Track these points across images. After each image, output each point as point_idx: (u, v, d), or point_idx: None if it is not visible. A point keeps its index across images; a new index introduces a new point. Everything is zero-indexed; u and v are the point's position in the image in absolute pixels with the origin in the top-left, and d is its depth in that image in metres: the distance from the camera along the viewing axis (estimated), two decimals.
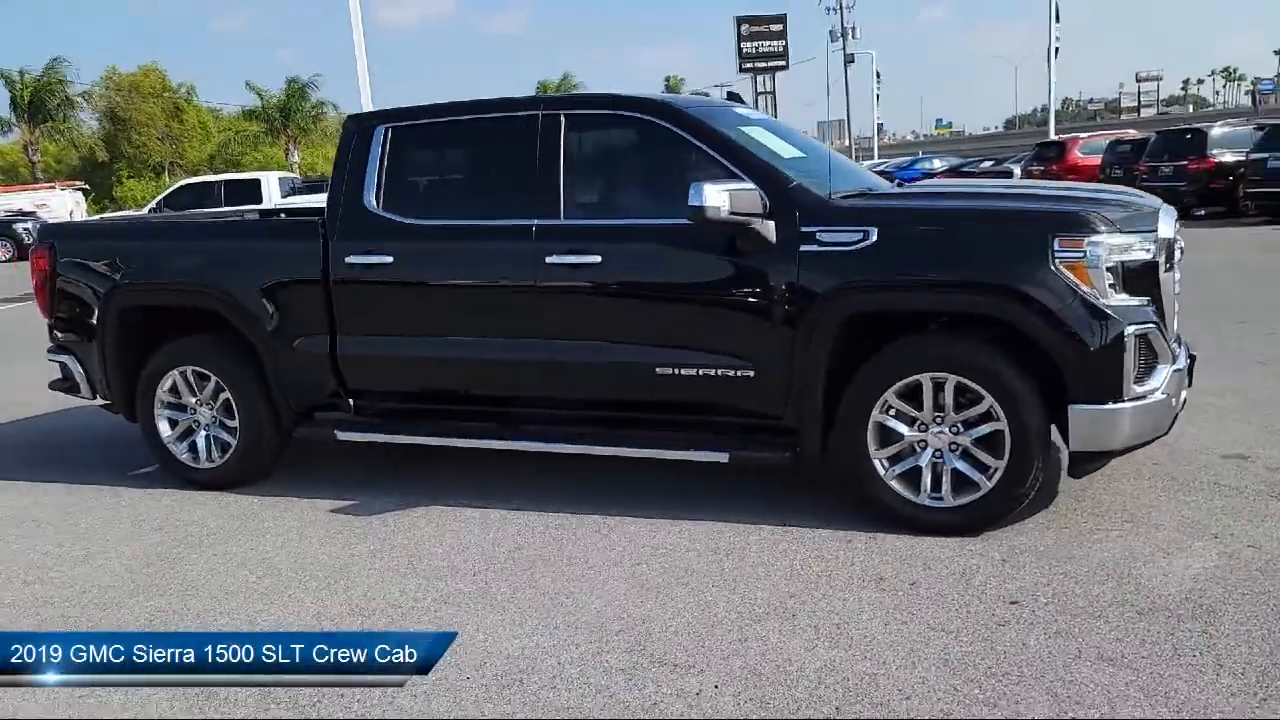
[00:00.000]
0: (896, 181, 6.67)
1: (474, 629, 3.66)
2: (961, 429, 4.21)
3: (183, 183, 20.86)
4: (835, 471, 4.56)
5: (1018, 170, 25.37)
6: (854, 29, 56.28)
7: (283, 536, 4.77)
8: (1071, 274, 3.97)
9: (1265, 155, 18.35)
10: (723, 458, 4.55)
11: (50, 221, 6.98)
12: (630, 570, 4.11)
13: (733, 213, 4.21)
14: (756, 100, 52.76)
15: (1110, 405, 3.99)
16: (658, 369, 4.58)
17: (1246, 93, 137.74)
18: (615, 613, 3.73)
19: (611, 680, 3.24)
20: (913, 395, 4.26)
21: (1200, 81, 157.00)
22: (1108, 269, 3.99)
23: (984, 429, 4.16)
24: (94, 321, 5.63)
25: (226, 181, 19.22)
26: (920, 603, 3.66)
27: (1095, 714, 2.89)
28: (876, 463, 4.32)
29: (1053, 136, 32.50)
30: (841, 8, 55.71)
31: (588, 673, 3.29)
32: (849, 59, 56.76)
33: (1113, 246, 4.00)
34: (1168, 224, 4.26)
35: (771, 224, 4.31)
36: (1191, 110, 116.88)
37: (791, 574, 3.98)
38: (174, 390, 5.56)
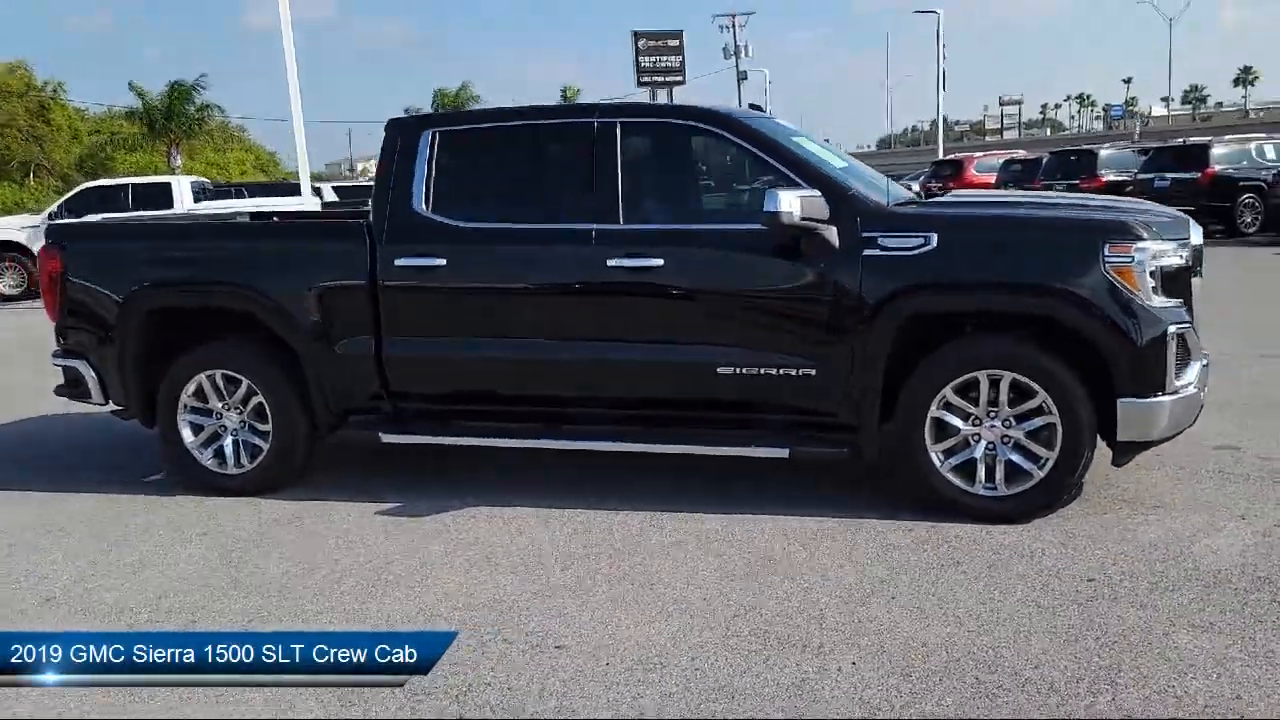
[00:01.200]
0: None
1: (588, 618, 3.75)
2: (1014, 423, 4.50)
3: (85, 186, 19.95)
4: (891, 465, 4.79)
5: (916, 186, 26.40)
6: (746, 47, 57.65)
7: (340, 539, 4.74)
8: (1120, 277, 4.31)
9: (1151, 175, 19.69)
10: (783, 453, 4.74)
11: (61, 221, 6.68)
12: (714, 561, 4.26)
13: (804, 218, 4.42)
14: None
15: (1154, 399, 4.34)
16: (719, 369, 4.75)
17: (1097, 117, 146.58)
18: (719, 600, 3.87)
19: (751, 662, 3.38)
20: (966, 391, 4.53)
21: (1057, 106, 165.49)
22: (1150, 273, 4.34)
23: (1037, 422, 4.46)
24: (112, 324, 5.47)
25: (134, 185, 18.51)
26: (1005, 582, 3.91)
27: (1209, 676, 3.17)
28: (933, 456, 4.58)
29: (941, 156, 33.96)
30: (734, 26, 56.97)
31: (724, 655, 3.43)
32: (742, 76, 58.04)
33: (1155, 252, 4.35)
34: (1196, 233, 4.65)
35: (834, 229, 4.53)
36: (1050, 133, 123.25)
37: (871, 560, 4.19)
38: (199, 394, 5.45)
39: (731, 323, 4.78)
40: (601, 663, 3.42)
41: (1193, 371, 4.48)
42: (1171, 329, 4.33)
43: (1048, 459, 4.45)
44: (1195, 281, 4.63)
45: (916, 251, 4.49)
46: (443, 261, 5.00)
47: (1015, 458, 4.52)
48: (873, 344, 4.53)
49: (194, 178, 20.26)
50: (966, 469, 4.58)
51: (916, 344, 4.58)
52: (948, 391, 4.52)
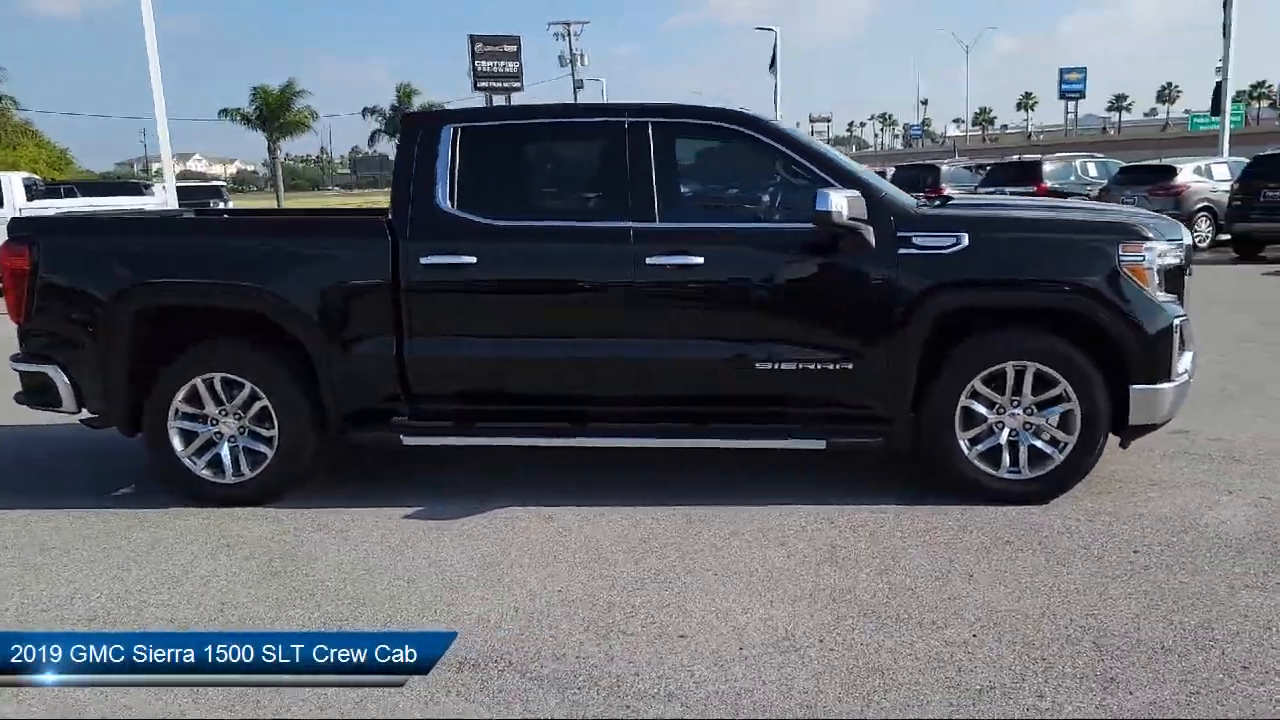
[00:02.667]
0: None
1: (693, 607, 3.80)
2: (1036, 410, 4.83)
3: None
4: (921, 453, 5.02)
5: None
6: (582, 55, 57.98)
7: (383, 545, 4.59)
8: (1133, 275, 4.70)
9: (992, 189, 21.15)
10: (820, 444, 4.92)
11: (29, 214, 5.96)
12: (782, 550, 4.38)
13: (850, 218, 4.61)
14: None
15: (1161, 385, 4.75)
16: (757, 364, 4.88)
17: (896, 135, 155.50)
18: (810, 585, 4.00)
19: (882, 638, 3.52)
20: (990, 381, 4.83)
21: (862, 125, 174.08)
22: (1156, 271, 4.76)
23: (1058, 409, 4.80)
24: (94, 325, 5.11)
25: None
26: (1061, 556, 4.21)
27: None
28: (962, 443, 4.85)
29: None
30: (569, 34, 57.22)
31: (849, 635, 3.55)
32: (578, 84, 58.31)
33: (1160, 251, 4.78)
34: (1186, 235, 5.11)
35: (870, 229, 4.74)
36: (855, 150, 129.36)
37: (929, 543, 4.41)
38: (193, 400, 5.15)
39: (771, 319, 4.91)
40: (735, 647, 3.49)
41: (1188, 360, 4.93)
42: (1175, 321, 4.75)
43: (1067, 443, 4.80)
44: (1186, 279, 5.09)
45: (949, 250, 4.75)
46: (473, 259, 4.93)
47: (1038, 443, 4.84)
48: (908, 338, 4.76)
49: (24, 174, 18.71)
50: (990, 455, 4.87)
51: (944, 338, 4.83)
52: (976, 382, 4.80)
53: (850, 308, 4.82)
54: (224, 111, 59.51)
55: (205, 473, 5.19)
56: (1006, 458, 4.86)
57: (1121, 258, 4.71)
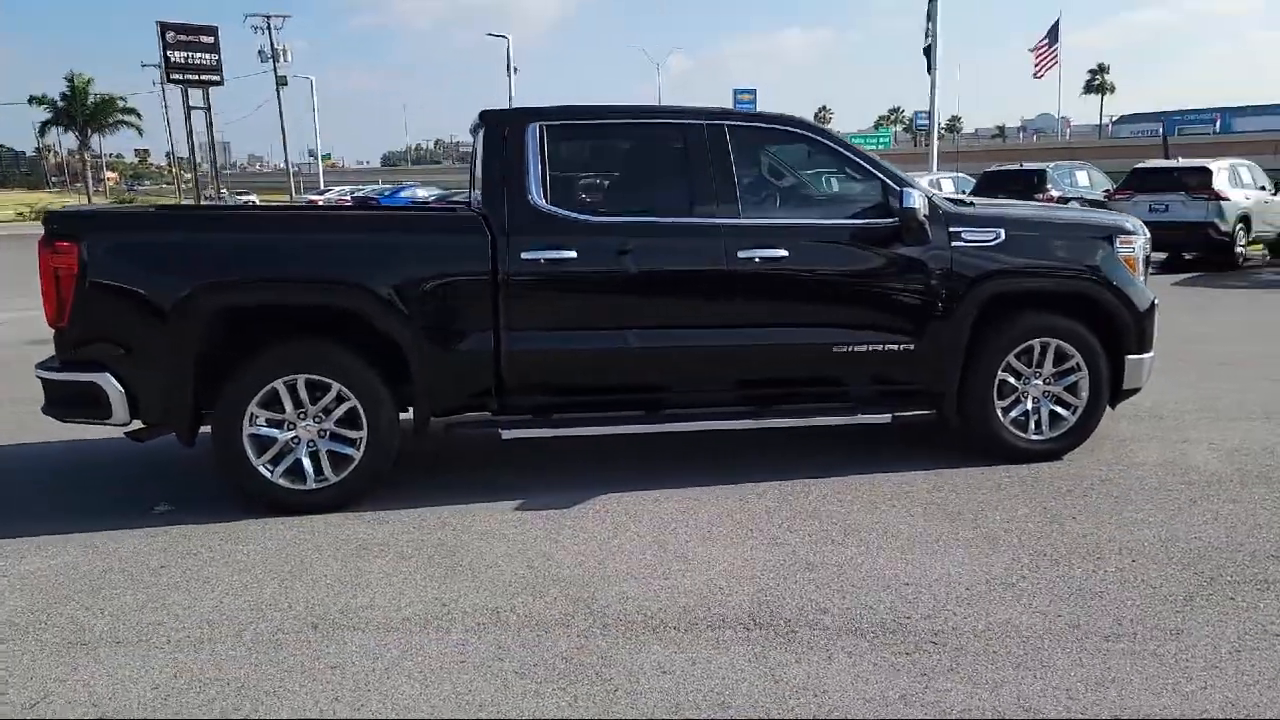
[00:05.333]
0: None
1: (884, 561, 4.24)
2: (1053, 380, 5.67)
3: None
4: (965, 421, 5.69)
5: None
6: (285, 51, 55.03)
7: (544, 535, 4.63)
8: (1125, 262, 5.66)
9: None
10: (886, 418, 5.49)
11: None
12: (903, 513, 4.90)
13: (925, 214, 5.22)
14: (189, 115, 49.31)
15: (1145, 355, 5.75)
16: (834, 348, 5.37)
17: None
18: (962, 536, 4.54)
19: (1066, 571, 4.13)
20: (1018, 356, 5.61)
21: None
22: (1141, 259, 5.75)
23: (1071, 379, 5.66)
24: (159, 328, 4.73)
25: None
26: (1115, 499, 5.01)
27: None
28: (998, 412, 5.60)
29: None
30: (270, 28, 54.21)
31: (1042, 572, 4.13)
32: (282, 81, 55.29)
33: (1142, 243, 5.78)
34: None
35: (930, 224, 5.37)
36: None
37: (1008, 499, 5.06)
38: (270, 403, 4.89)
39: (846, 306, 5.41)
40: (961, 588, 3.96)
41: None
42: (1155, 300, 5.77)
43: (1078, 407, 5.68)
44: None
45: (993, 243, 5.49)
46: (573, 254, 5.06)
47: (1056, 408, 5.68)
48: (960, 321, 5.44)
49: None
50: (1016, 420, 5.66)
51: (983, 320, 5.56)
52: (1011, 357, 5.57)
53: (914, 295, 5.42)
54: None
55: (282, 480, 4.94)
56: (1032, 422, 5.66)
57: (1117, 249, 5.65)
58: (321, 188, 54.87)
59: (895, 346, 5.44)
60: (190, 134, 51.58)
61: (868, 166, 5.50)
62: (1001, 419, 5.61)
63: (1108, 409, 5.81)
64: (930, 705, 3.10)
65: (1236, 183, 17.12)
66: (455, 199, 31.32)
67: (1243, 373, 8.08)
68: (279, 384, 4.87)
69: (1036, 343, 5.59)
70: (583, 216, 5.14)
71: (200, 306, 4.75)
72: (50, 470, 5.98)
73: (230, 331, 4.87)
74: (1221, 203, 16.30)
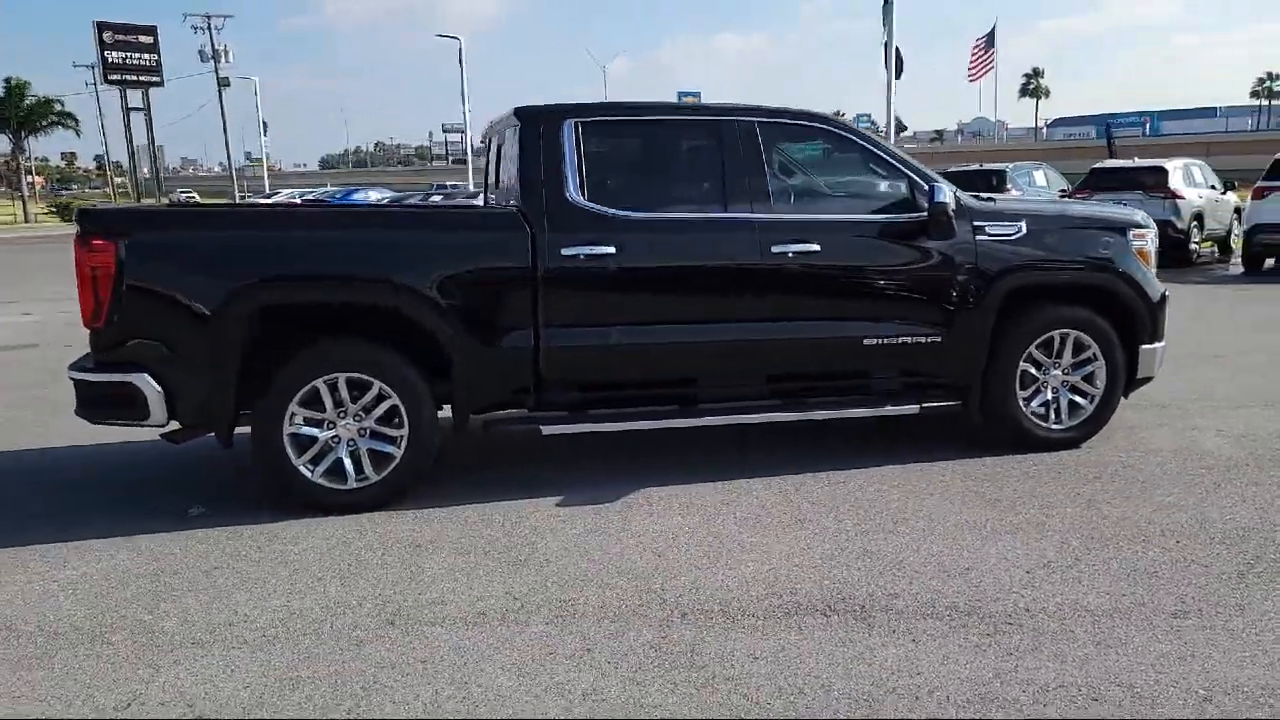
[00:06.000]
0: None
1: (945, 548, 4.32)
2: (1071, 370, 5.81)
3: None
4: (989, 412, 5.80)
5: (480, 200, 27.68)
6: (226, 51, 53.97)
7: (584, 533, 4.63)
8: (1139, 256, 5.83)
9: None
10: (914, 409, 5.59)
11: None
12: (953, 500, 4.99)
13: (954, 209, 5.33)
14: (128, 117, 48.23)
15: (1157, 344, 5.92)
16: (865, 340, 5.46)
17: None
18: (1007, 522, 4.64)
19: (1120, 553, 4.24)
20: (1039, 347, 5.74)
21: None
22: (1152, 252, 5.92)
23: (1089, 369, 5.81)
24: (200, 327, 4.66)
25: None
26: (1140, 489, 5.13)
27: None
28: (1020, 401, 5.73)
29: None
30: (210, 29, 53.11)
31: (1096, 554, 4.24)
32: (223, 83, 54.30)
33: (1151, 237, 5.95)
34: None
35: (956, 219, 5.48)
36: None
37: (1033, 491, 5.13)
38: (310, 402, 4.85)
39: (876, 299, 5.50)
40: (1020, 570, 4.05)
41: None
42: (1165, 291, 5.94)
43: (1095, 396, 5.83)
44: None
45: (1014, 237, 5.61)
46: (613, 249, 5.08)
47: (1075, 398, 5.83)
48: (985, 313, 5.56)
49: None
50: (1037, 410, 5.79)
51: (1005, 313, 5.68)
52: (1032, 348, 5.70)
53: (942, 288, 5.52)
54: None
55: (323, 480, 4.90)
56: (1053, 412, 5.80)
57: (1131, 242, 5.82)
58: (267, 190, 53.99)
59: (924, 339, 5.53)
60: (129, 137, 50.51)
61: (893, 162, 5.59)
62: (1023, 409, 5.74)
63: (1121, 398, 5.98)
64: (1024, 683, 3.18)
65: (1190, 182, 17.61)
66: (411, 200, 31.20)
67: (1227, 364, 8.34)
68: (319, 383, 4.83)
69: (1056, 334, 5.72)
70: (621, 213, 5.16)
71: (243, 305, 4.69)
72: (65, 473, 5.86)
73: (270, 330, 4.82)
74: (1177, 201, 16.73)
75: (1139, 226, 5.91)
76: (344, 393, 4.87)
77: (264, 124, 59.74)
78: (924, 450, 5.80)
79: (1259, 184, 15.59)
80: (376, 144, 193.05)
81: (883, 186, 5.65)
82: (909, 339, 5.51)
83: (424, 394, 4.96)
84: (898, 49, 26.65)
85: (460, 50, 40.95)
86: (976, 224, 5.56)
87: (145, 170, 52.40)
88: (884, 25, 25.18)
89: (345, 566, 4.27)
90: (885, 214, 5.52)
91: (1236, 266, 17.23)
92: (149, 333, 4.69)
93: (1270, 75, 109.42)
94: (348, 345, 4.90)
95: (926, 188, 5.40)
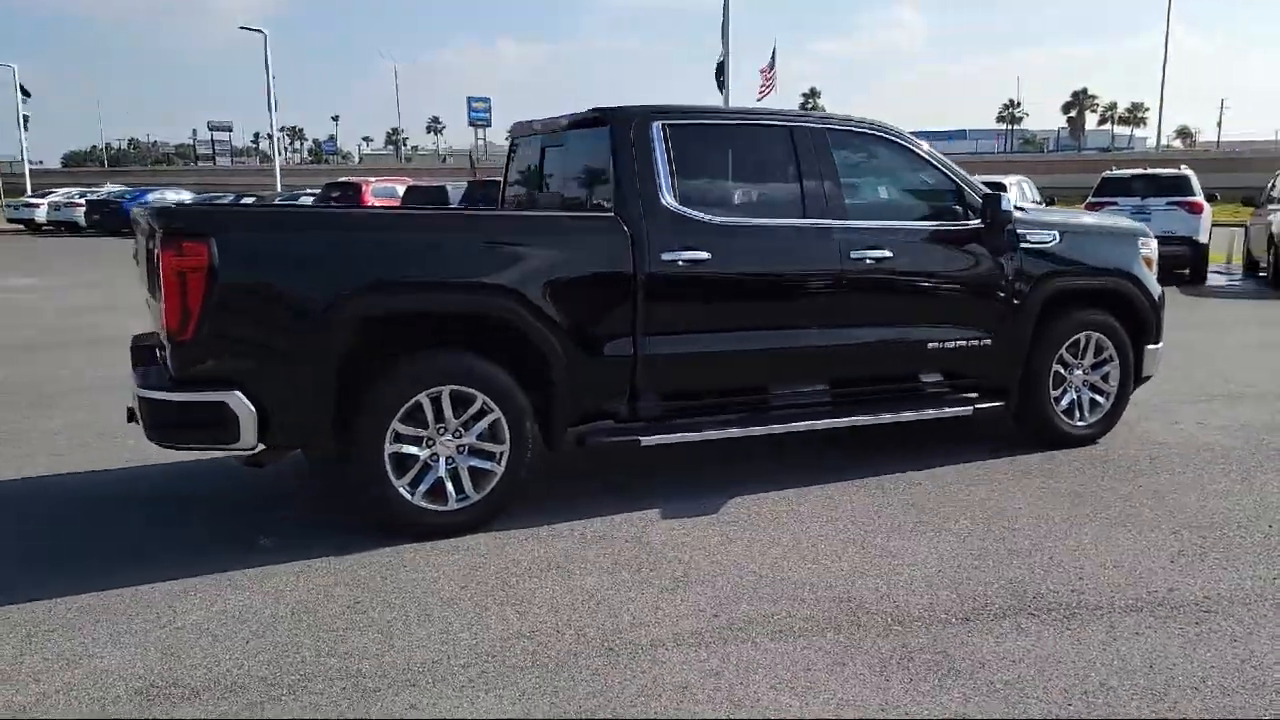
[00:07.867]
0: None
1: (1058, 545, 4.50)
2: (1090, 370, 6.18)
3: None
4: (1023, 411, 6.06)
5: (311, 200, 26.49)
6: None
7: (720, 544, 4.51)
8: (1145, 263, 6.28)
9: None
10: (968, 411, 5.78)
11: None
12: (1031, 493, 5.19)
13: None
14: None
15: (1158, 345, 6.39)
16: (929, 344, 5.61)
17: (310, 149, 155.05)
18: (1122, 512, 4.88)
19: (1184, 542, 4.54)
20: (1068, 349, 6.08)
21: (269, 136, 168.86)
22: (1155, 259, 6.39)
23: (1105, 369, 6.20)
24: (303, 338, 4.25)
25: None
26: (1192, 479, 5.53)
27: None
28: (1052, 400, 6.04)
29: (344, 179, 33.00)
30: None
31: (1188, 536, 4.53)
32: None
33: (1154, 245, 6.42)
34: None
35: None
36: (261, 162, 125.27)
37: (1100, 484, 5.42)
38: (411, 418, 4.51)
39: (939, 304, 5.66)
40: (1166, 559, 4.27)
41: None
42: (1163, 295, 6.43)
43: (1111, 394, 6.22)
44: None
45: (1051, 245, 5.92)
46: (708, 255, 4.99)
47: (1095, 396, 6.20)
48: (1028, 317, 5.84)
49: None
50: (1066, 408, 6.12)
51: (1043, 316, 5.96)
52: (1063, 350, 6.03)
53: (994, 293, 5.75)
54: None
55: (423, 502, 4.56)
56: (1077, 410, 6.15)
57: (1140, 250, 6.26)
58: (29, 190, 49.30)
59: (977, 342, 5.74)
60: None
61: (947, 172, 5.77)
62: (1054, 407, 6.05)
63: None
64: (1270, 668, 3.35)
65: (1022, 197, 18.99)
66: (246, 200, 29.24)
67: (1187, 361, 8.84)
68: (423, 397, 4.49)
69: (1083, 335, 6.07)
70: (713, 218, 5.07)
71: (349, 313, 4.30)
72: (88, 515, 5.17)
73: (370, 340, 4.44)
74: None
75: (1147, 236, 6.37)
76: (447, 408, 4.55)
77: (21, 118, 54.46)
78: (949, 452, 5.97)
79: (1090, 200, 17.01)
80: (130, 140, 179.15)
81: (938, 194, 5.81)
82: (964, 342, 5.70)
83: (526, 407, 4.70)
84: (720, 64, 27.60)
85: (265, 47, 39.09)
86: (1019, 231, 5.82)
87: None
88: (722, 43, 25.89)
89: (499, 593, 3.97)
90: (943, 221, 5.68)
91: None
92: (245, 345, 4.22)
93: (1013, 102, 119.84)
94: (452, 357, 4.58)
95: (980, 196, 5.61)
